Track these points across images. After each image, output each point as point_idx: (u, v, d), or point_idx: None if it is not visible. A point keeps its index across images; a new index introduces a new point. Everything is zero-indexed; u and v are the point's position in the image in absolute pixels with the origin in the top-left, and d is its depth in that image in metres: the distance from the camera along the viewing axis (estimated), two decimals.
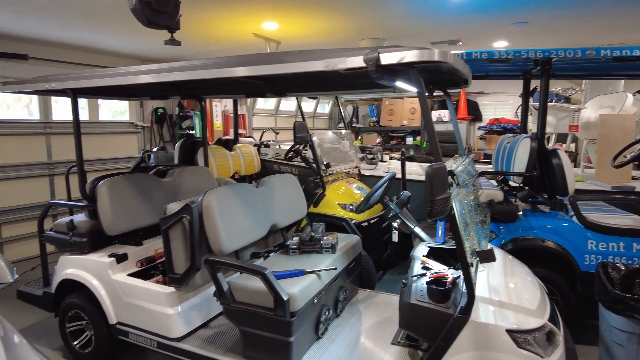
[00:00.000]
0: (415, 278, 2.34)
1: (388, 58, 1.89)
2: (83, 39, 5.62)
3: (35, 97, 5.92)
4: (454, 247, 2.90)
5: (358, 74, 3.11)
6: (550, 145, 6.35)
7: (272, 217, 3.22)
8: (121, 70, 2.70)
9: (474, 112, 10.72)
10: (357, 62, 1.95)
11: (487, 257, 1.97)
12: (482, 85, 10.59)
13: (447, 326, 2.02)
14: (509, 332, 1.97)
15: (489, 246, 2.65)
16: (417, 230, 2.92)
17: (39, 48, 5.84)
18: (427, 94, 2.97)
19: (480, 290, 2.17)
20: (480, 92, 10.82)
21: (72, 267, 3.28)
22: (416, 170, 5.91)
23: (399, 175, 4.21)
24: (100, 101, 6.85)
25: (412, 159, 6.35)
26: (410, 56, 1.87)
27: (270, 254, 3.26)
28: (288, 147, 6.03)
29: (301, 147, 5.72)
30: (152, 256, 3.44)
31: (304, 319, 2.56)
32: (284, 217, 3.36)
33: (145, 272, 3.36)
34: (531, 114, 6.27)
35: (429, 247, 2.86)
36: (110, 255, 3.18)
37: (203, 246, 2.75)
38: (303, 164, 5.49)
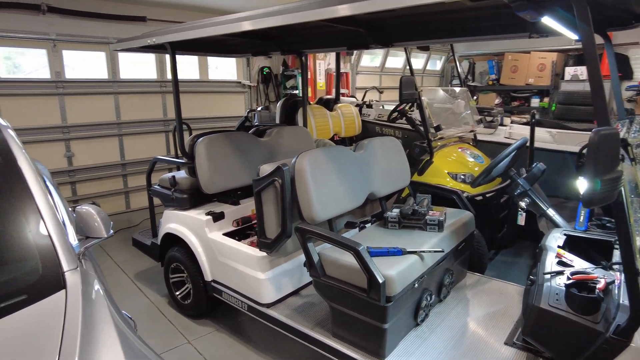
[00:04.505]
0: (548, 276, 1.83)
1: None
2: None
3: (153, 58, 6.26)
4: (602, 238, 2.28)
5: (483, 15, 2.52)
6: None
7: (370, 185, 2.89)
8: (213, 20, 2.51)
9: (623, 68, 8.80)
10: None
11: None
12: (637, 32, 8.59)
13: (594, 347, 1.52)
14: None
15: None
16: (551, 212, 2.34)
17: (157, 10, 6.09)
18: (577, 38, 2.29)
19: None
20: (634, 44, 8.79)
21: (174, 222, 3.38)
22: (544, 137, 5.00)
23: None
24: (210, 62, 7.03)
25: (539, 123, 5.38)
26: None
27: (367, 225, 2.96)
28: (392, 108, 5.54)
29: (407, 107, 5.19)
30: (249, 216, 3.38)
31: (401, 305, 2.24)
32: (383, 185, 3.00)
33: (242, 231, 3.33)
34: None
35: (565, 235, 2.27)
36: (208, 214, 3.18)
37: (295, 212, 2.55)
38: (408, 126, 4.99)
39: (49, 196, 1.93)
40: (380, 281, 2.04)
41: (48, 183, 2.68)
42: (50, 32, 5.19)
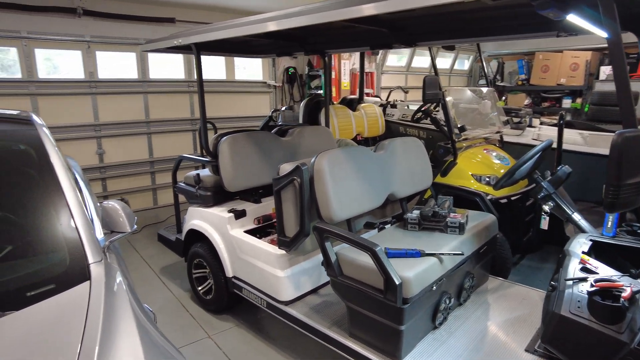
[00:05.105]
0: (570, 282, 1.78)
1: None
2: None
3: (181, 59, 6.41)
4: (631, 245, 2.19)
5: (507, 14, 2.46)
6: None
7: (390, 186, 2.87)
8: (236, 21, 2.56)
9: None
10: None
11: None
12: None
13: (618, 358, 1.47)
14: None
15: None
16: (576, 217, 2.26)
17: (186, 11, 6.24)
18: (609, 36, 2.22)
19: None
20: None
21: (197, 219, 3.46)
22: (575, 139, 4.83)
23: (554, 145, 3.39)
24: (238, 62, 7.14)
25: (570, 125, 5.20)
26: None
27: (386, 226, 2.94)
28: (417, 108, 5.48)
29: (432, 107, 5.12)
30: (270, 214, 3.43)
31: (418, 307, 2.22)
32: (404, 186, 2.98)
33: (262, 229, 3.37)
34: None
35: (591, 240, 2.19)
36: (230, 211, 3.24)
37: (313, 211, 2.57)
38: (433, 127, 4.92)
39: (79, 191, 2.02)
40: (397, 282, 2.03)
41: (79, 179, 2.80)
42: (85, 34, 5.40)
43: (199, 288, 3.59)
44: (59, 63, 5.49)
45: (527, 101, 9.38)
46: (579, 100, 8.65)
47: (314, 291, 2.95)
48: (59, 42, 5.27)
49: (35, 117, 2.51)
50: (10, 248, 1.79)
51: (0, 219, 1.92)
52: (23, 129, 2.34)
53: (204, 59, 6.25)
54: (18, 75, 5.07)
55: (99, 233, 1.96)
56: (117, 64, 5.85)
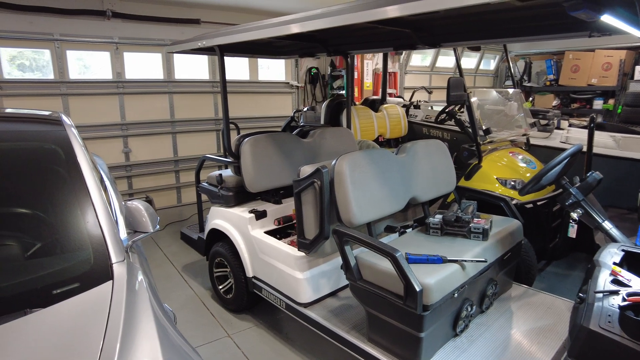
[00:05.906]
0: (600, 295, 1.70)
1: None
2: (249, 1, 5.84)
3: (205, 59, 6.50)
4: None
5: (536, 14, 2.38)
6: None
7: (412, 189, 2.83)
8: (258, 24, 2.57)
9: None
10: None
11: None
12: None
13: None
14: None
15: None
16: (607, 225, 2.17)
17: (211, 12, 6.32)
18: None
19: None
20: None
21: (219, 218, 3.49)
22: (606, 142, 4.65)
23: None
24: (261, 63, 7.18)
25: (601, 127, 5.01)
26: None
27: (407, 230, 2.90)
28: (441, 109, 5.38)
29: (456, 109, 5.03)
30: (290, 215, 3.43)
31: (439, 314, 2.18)
32: (426, 190, 2.93)
33: (282, 230, 3.38)
34: None
35: (623, 251, 2.10)
36: (251, 211, 3.26)
37: (333, 214, 2.56)
38: (457, 129, 4.83)
39: (104, 191, 2.07)
40: (418, 289, 2.00)
41: (104, 177, 2.87)
42: (113, 35, 5.54)
43: (220, 287, 3.63)
44: (89, 63, 5.65)
45: (555, 102, 9.10)
46: (611, 102, 8.33)
47: (333, 294, 2.94)
48: (89, 43, 5.42)
49: (64, 118, 2.59)
50: (39, 245, 1.85)
51: (30, 216, 1.98)
52: (53, 129, 2.41)
53: (228, 59, 6.30)
54: (51, 75, 5.25)
55: (123, 233, 2.00)
56: (143, 65, 5.97)
